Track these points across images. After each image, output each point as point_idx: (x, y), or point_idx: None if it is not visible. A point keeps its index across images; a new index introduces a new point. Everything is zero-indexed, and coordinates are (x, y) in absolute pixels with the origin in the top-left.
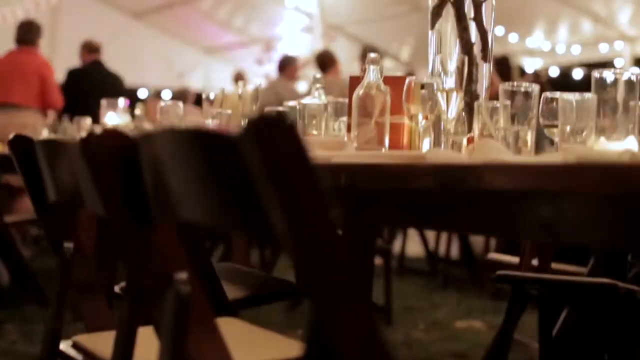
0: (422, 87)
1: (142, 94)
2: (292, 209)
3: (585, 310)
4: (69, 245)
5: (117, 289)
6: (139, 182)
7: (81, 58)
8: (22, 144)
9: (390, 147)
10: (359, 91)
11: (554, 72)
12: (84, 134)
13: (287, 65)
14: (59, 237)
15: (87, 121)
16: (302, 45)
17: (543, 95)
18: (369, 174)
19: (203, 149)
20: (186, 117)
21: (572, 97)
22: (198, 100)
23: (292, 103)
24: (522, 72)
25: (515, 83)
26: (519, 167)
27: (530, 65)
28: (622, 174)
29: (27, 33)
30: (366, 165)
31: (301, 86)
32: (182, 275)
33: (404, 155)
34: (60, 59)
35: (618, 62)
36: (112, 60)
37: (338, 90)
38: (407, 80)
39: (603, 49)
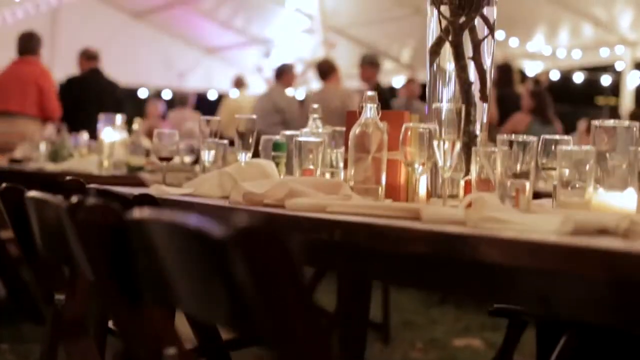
0: (423, 87)
1: (142, 93)
2: (276, 316)
3: (585, 335)
4: (60, 297)
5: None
6: (130, 261)
7: (79, 66)
8: (12, 196)
9: (388, 184)
10: (356, 129)
11: (555, 75)
12: (84, 150)
13: (284, 73)
14: (50, 288)
15: (85, 136)
16: (303, 47)
17: (542, 137)
18: (364, 233)
19: (191, 246)
20: (185, 124)
21: (571, 147)
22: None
23: (289, 132)
24: (523, 77)
25: (513, 137)
26: (515, 243)
27: (531, 69)
28: (618, 260)
29: (28, 43)
30: (361, 225)
31: (300, 93)
32: (172, 351)
33: (400, 208)
34: (60, 60)
35: (619, 66)
36: (112, 60)
37: (338, 99)
38: (403, 127)
39: (604, 53)
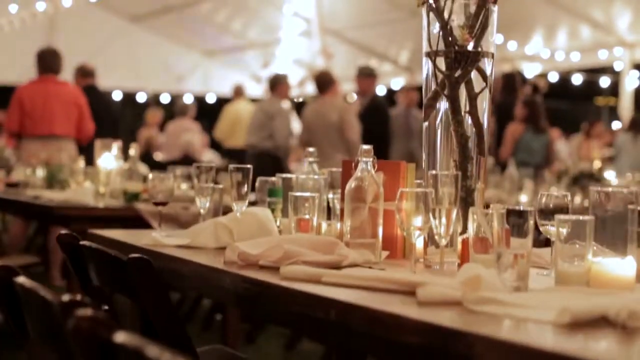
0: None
1: (141, 97)
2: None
3: None
4: None
5: None
6: None
7: (75, 82)
8: (3, 275)
9: (385, 236)
10: (352, 183)
11: (553, 77)
12: (80, 178)
13: (277, 84)
14: None
15: (81, 164)
16: (301, 50)
17: (540, 193)
18: (360, 315)
19: None
20: (185, 134)
21: (569, 217)
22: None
23: (287, 175)
24: (522, 79)
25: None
26: (511, 346)
27: (530, 70)
28: None
29: (55, 61)
30: (357, 307)
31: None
32: None
33: (396, 281)
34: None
35: (618, 66)
36: (110, 64)
37: (336, 112)
38: (399, 191)
39: (602, 55)
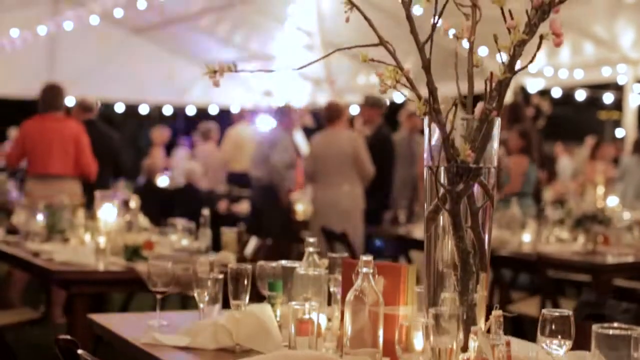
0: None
1: (143, 109)
2: None
3: None
4: None
5: None
6: None
7: (75, 117)
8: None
9: (385, 340)
10: (351, 295)
11: (557, 92)
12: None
13: (283, 117)
14: None
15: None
16: (303, 63)
17: (542, 312)
18: None
19: None
20: (208, 159)
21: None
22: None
23: (289, 264)
24: (525, 95)
25: None
26: None
27: (533, 86)
28: None
29: (57, 99)
30: None
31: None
32: None
33: None
34: (61, 78)
35: (621, 79)
36: (113, 76)
37: (346, 143)
38: (399, 323)
39: (606, 72)
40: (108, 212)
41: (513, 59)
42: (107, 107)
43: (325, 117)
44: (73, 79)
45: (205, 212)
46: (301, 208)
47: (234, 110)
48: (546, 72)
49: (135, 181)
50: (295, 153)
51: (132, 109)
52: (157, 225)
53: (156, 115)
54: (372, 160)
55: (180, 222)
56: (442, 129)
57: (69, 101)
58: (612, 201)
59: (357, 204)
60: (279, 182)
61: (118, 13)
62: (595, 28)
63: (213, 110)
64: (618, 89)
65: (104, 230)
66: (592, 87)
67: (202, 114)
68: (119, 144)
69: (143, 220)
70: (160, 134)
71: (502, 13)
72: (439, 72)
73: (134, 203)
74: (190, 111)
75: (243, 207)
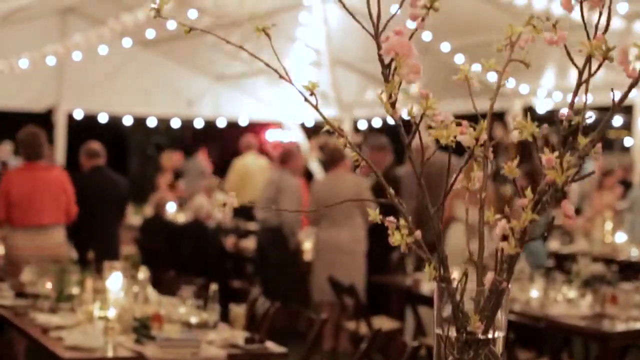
0: None
1: (151, 122)
2: None
3: None
4: None
5: None
6: None
7: (82, 163)
8: None
9: None
10: None
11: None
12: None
13: (289, 158)
14: None
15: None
16: (311, 78)
17: None
18: None
19: None
20: (195, 200)
21: None
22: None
23: None
24: (533, 116)
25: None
26: None
27: (542, 106)
28: None
29: (39, 148)
30: None
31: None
32: None
33: None
34: (69, 91)
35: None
36: (121, 89)
37: (351, 187)
38: None
39: (615, 96)
40: (116, 281)
41: (524, 235)
42: (115, 120)
43: (327, 162)
44: (81, 92)
45: (214, 286)
46: (309, 246)
47: (242, 122)
48: (555, 96)
49: (143, 206)
50: (302, 196)
51: (140, 122)
52: (164, 265)
53: (164, 127)
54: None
55: (189, 293)
56: (453, 299)
57: (77, 114)
58: (620, 237)
59: (359, 247)
60: (288, 228)
61: (127, 29)
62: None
63: (221, 123)
64: (627, 112)
65: (112, 302)
66: (601, 109)
67: (210, 126)
68: (126, 189)
69: (152, 292)
70: (169, 158)
71: (516, 187)
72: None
73: (142, 274)
74: (198, 124)
75: (250, 244)
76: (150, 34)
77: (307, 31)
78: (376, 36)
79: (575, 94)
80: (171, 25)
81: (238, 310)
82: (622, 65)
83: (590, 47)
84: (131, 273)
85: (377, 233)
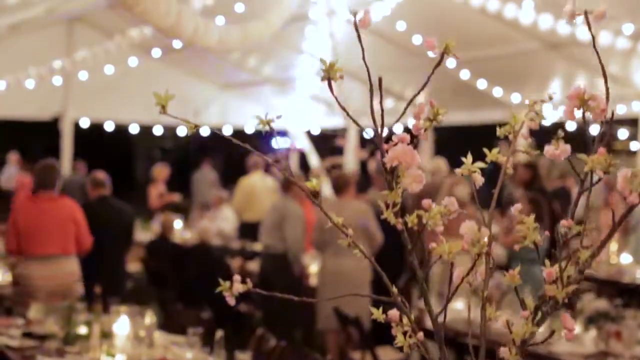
0: None
1: (157, 130)
2: None
3: None
4: None
5: None
6: None
7: (88, 192)
8: None
9: None
10: None
11: (572, 126)
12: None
13: (292, 187)
14: None
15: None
16: (317, 86)
17: None
18: None
19: None
20: (201, 225)
21: None
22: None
23: None
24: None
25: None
26: None
27: (548, 117)
28: None
29: (49, 178)
30: None
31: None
32: None
33: None
34: (76, 99)
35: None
36: (127, 97)
37: (357, 214)
38: None
39: (620, 110)
40: (124, 326)
41: (524, 343)
42: (122, 129)
43: (333, 189)
44: (87, 100)
45: (220, 333)
46: (314, 269)
47: (249, 130)
48: (561, 110)
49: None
50: (306, 223)
51: (146, 130)
52: (168, 284)
53: (170, 136)
54: (385, 229)
55: (196, 339)
56: None
57: (83, 123)
58: (626, 258)
59: (365, 275)
60: (292, 254)
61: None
62: (610, 65)
63: (227, 131)
64: (633, 125)
65: (120, 349)
66: (606, 121)
67: (217, 135)
68: (132, 218)
69: (160, 337)
70: (161, 170)
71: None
72: (448, 100)
73: (149, 319)
74: (205, 132)
75: (256, 267)
76: (156, 52)
77: (313, 44)
78: (380, 142)
79: (576, 203)
80: (177, 44)
81: (243, 358)
82: (623, 191)
83: (592, 163)
84: (138, 315)
85: (382, 261)
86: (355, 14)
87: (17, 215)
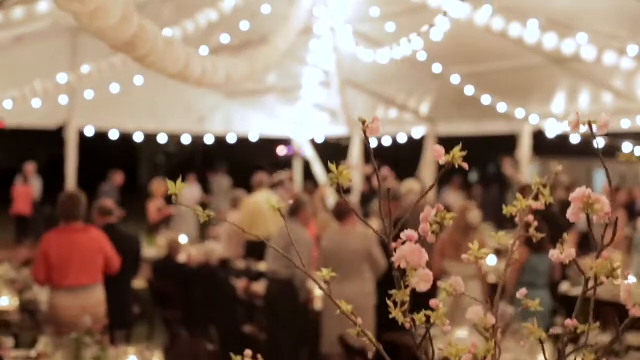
0: None
1: (162, 138)
2: None
3: None
4: None
5: None
6: None
7: (94, 221)
8: None
9: None
10: None
11: (576, 139)
12: None
13: (299, 211)
14: None
15: None
16: (321, 95)
17: None
18: None
19: None
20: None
21: None
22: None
23: None
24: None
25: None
26: None
27: (551, 130)
28: None
29: (76, 208)
30: None
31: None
32: None
33: None
34: (81, 108)
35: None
36: (132, 105)
37: (359, 241)
38: None
39: (625, 125)
40: None
41: None
42: (126, 137)
43: (336, 216)
44: (92, 109)
45: None
46: (319, 292)
47: (253, 138)
48: (564, 126)
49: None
50: (313, 247)
51: (150, 138)
52: (174, 305)
53: (174, 144)
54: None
55: None
56: None
57: (88, 131)
58: (629, 279)
59: (369, 301)
60: (298, 280)
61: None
62: (614, 80)
63: (231, 139)
64: (637, 139)
65: None
66: (611, 135)
67: (221, 142)
68: (139, 245)
69: None
70: (160, 186)
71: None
72: (453, 112)
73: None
74: (209, 140)
75: (262, 288)
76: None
77: (317, 56)
78: (389, 241)
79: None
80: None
81: None
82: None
83: (597, 268)
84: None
85: (386, 287)
86: (364, 122)
87: (47, 248)
